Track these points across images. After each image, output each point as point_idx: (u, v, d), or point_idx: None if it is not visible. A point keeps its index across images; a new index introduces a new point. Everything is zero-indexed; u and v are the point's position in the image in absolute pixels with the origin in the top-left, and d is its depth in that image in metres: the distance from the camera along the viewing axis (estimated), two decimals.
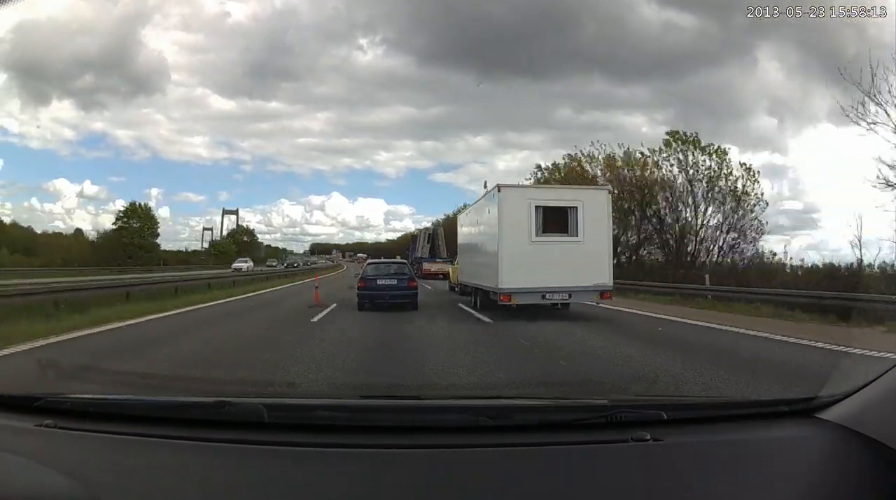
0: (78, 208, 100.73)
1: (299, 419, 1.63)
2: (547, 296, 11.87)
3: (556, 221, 12.18)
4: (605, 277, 12.03)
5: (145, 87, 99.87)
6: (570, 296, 12.10)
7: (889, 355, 6.36)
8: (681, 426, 1.59)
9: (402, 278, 14.44)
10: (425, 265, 35.48)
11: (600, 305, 12.68)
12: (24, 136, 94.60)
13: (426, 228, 46.09)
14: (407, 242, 57.59)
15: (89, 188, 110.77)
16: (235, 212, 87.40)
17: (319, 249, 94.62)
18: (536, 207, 12.09)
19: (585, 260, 11.90)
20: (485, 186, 15.74)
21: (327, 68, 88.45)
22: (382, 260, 20.20)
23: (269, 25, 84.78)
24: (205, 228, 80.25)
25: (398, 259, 21.48)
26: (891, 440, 1.32)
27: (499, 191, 12.41)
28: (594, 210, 12.15)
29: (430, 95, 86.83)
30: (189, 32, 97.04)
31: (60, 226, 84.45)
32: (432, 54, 74.89)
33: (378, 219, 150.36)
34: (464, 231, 17.83)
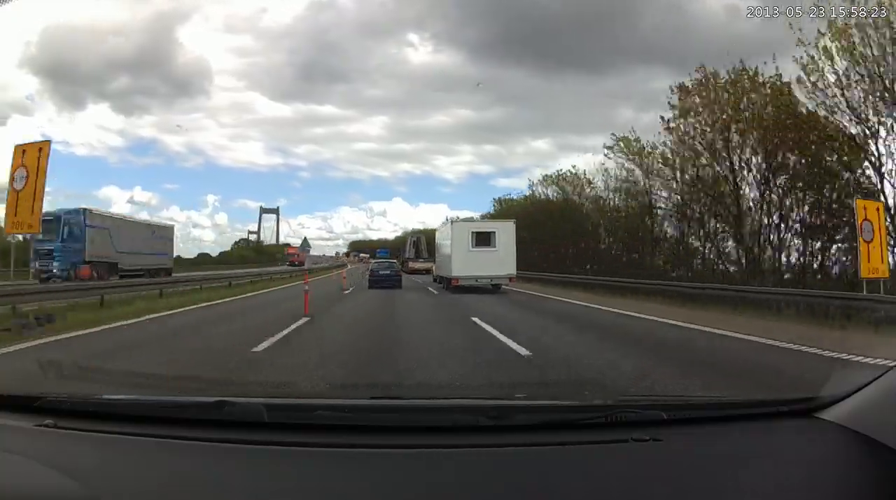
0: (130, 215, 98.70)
1: (299, 418, 1.63)
2: (478, 281, 21.21)
3: (483, 239, 21.71)
4: (511, 270, 21.61)
5: (189, 92, 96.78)
6: (491, 281, 21.54)
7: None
8: (681, 426, 1.59)
9: (393, 270, 25.39)
10: (411, 264, 45.04)
11: (508, 286, 22.31)
12: (69, 143, 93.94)
13: (412, 236, 57.36)
14: (397, 246, 67.67)
15: (140, 195, 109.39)
16: (276, 211, 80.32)
17: (358, 246, 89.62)
18: (472, 232, 21.99)
19: (499, 261, 21.23)
20: (446, 220, 26.95)
21: (378, 69, 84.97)
22: (381, 260, 32.40)
23: (314, 25, 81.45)
24: (250, 232, 77.48)
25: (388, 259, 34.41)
26: (891, 440, 1.32)
27: (452, 224, 23.18)
28: (505, 233, 21.93)
29: (486, 95, 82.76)
30: (232, 34, 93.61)
31: None
32: (485, 50, 69.24)
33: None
34: (437, 242, 28.99)
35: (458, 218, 39.80)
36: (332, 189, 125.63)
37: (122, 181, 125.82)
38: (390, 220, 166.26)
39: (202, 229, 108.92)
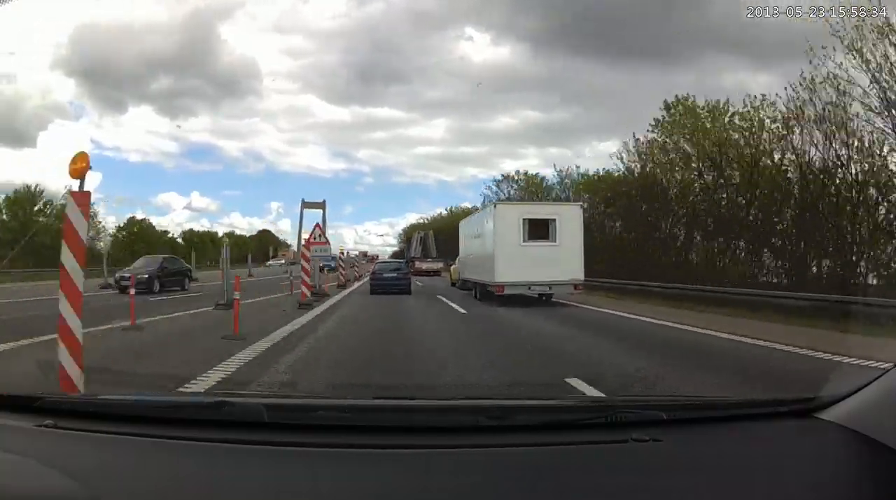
0: (189, 222, 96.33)
1: (299, 418, 1.63)
2: (532, 288, 15.55)
3: (539, 229, 15.77)
4: (577, 273, 15.62)
5: (239, 94, 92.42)
6: (549, 288, 15.71)
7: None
8: (681, 426, 1.59)
9: (401, 272, 21.62)
10: (417, 263, 38.81)
11: (573, 296, 16.08)
12: (121, 149, 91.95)
13: (418, 233, 50.48)
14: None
15: (199, 201, 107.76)
16: (321, 206, 63.87)
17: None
18: (524, 218, 15.86)
19: (561, 260, 15.40)
20: (483, 203, 19.67)
21: (437, 67, 79.39)
22: (386, 260, 29.17)
23: (367, 22, 76.53)
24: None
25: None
26: (891, 440, 1.33)
27: (495, 207, 16.67)
28: (569, 221, 15.91)
29: (552, 95, 76.49)
30: (283, 34, 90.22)
31: None
32: (546, 43, 60.70)
33: None
34: (465, 237, 21.67)
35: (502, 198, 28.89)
36: (398, 195, 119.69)
37: (180, 187, 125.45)
38: None
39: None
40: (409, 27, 79.49)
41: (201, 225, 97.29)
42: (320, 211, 62.04)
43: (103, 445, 1.48)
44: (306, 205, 64.18)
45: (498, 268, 15.35)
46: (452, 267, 25.81)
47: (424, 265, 38.51)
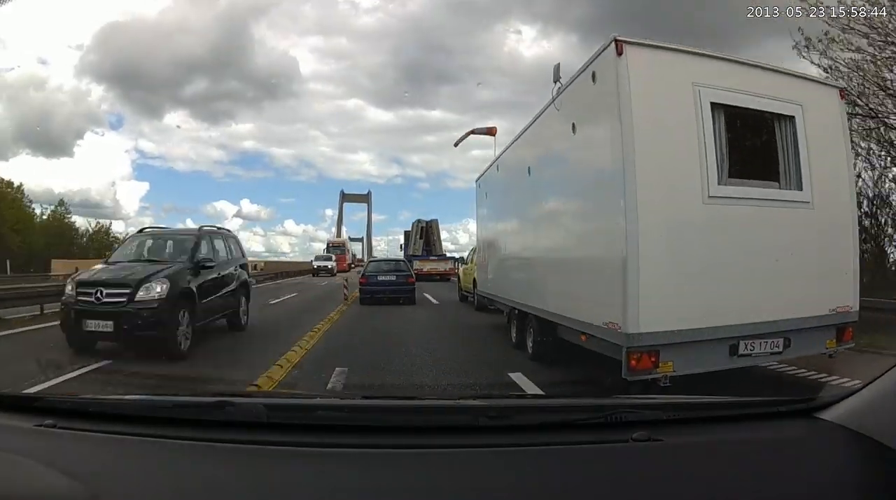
0: (242, 230, 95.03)
1: (300, 418, 1.63)
2: (744, 348, 4.80)
3: (750, 149, 5.27)
4: (846, 289, 5.27)
5: (286, 101, 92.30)
6: (788, 343, 4.83)
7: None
8: (681, 425, 1.59)
9: (401, 274, 16.18)
10: (417, 264, 27.51)
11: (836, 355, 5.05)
12: (165, 158, 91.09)
13: (419, 221, 37.13)
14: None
15: (250, 208, 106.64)
16: (366, 198, 56.83)
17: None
18: (716, 105, 4.85)
19: (815, 248, 5.15)
20: (556, 74, 6.06)
21: (486, 66, 79.42)
22: (383, 258, 22.09)
23: (411, 21, 77.13)
24: (352, 238, 65.32)
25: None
26: (891, 440, 1.33)
27: (619, 54, 4.62)
28: (822, 130, 5.33)
29: None
30: (326, 35, 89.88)
31: None
32: (596, 31, 62.62)
33: None
34: (500, 187, 9.32)
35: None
36: (455, 200, 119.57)
37: (230, 195, 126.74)
38: None
39: (321, 243, 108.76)
40: (458, 26, 78.40)
41: (254, 232, 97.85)
42: (365, 204, 56.45)
43: (103, 445, 1.49)
44: (347, 198, 55.46)
45: (641, 283, 4.37)
46: (463, 268, 17.41)
47: (427, 266, 28.77)
